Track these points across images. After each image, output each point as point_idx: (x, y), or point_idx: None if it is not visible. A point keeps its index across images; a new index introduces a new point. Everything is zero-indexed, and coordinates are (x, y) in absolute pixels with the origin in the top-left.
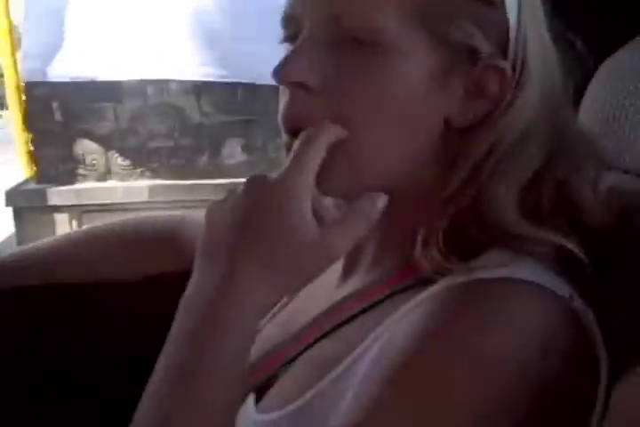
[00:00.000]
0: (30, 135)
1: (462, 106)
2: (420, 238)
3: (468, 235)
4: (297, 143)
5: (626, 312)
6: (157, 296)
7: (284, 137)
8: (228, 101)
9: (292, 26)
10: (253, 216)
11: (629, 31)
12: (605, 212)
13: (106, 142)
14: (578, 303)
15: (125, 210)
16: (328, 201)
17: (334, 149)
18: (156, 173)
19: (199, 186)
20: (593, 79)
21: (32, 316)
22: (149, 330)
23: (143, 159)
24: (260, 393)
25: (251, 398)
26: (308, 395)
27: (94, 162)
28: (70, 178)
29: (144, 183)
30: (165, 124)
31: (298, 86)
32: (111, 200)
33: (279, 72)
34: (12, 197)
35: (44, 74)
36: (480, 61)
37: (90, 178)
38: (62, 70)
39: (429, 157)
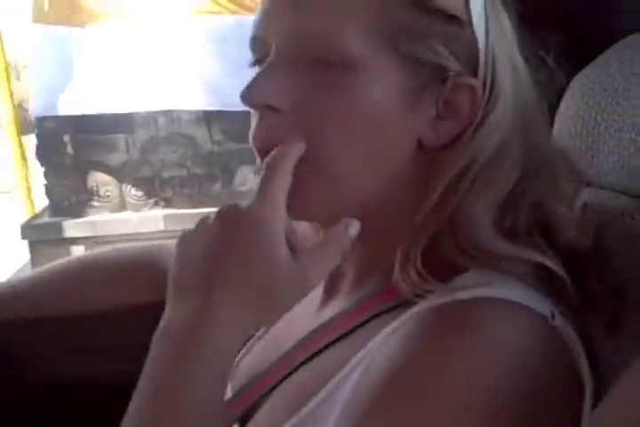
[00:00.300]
0: (42, 168)
1: (434, 126)
2: (397, 260)
3: (447, 256)
4: (261, 170)
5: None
6: (135, 327)
7: (258, 161)
8: (239, 129)
9: (259, 48)
10: (225, 245)
11: (599, 48)
12: (581, 228)
13: (118, 173)
14: (559, 321)
15: (141, 240)
16: (301, 229)
17: (304, 171)
18: (169, 203)
19: None
20: (565, 95)
21: (11, 349)
22: (129, 360)
23: (156, 189)
24: (245, 420)
25: None
26: (292, 422)
27: (108, 193)
28: (84, 210)
29: (160, 213)
30: (177, 153)
31: (266, 109)
32: (127, 231)
33: (247, 95)
34: (27, 230)
35: (55, 108)
36: (449, 80)
37: (103, 209)
38: (72, 105)
39: (403, 178)
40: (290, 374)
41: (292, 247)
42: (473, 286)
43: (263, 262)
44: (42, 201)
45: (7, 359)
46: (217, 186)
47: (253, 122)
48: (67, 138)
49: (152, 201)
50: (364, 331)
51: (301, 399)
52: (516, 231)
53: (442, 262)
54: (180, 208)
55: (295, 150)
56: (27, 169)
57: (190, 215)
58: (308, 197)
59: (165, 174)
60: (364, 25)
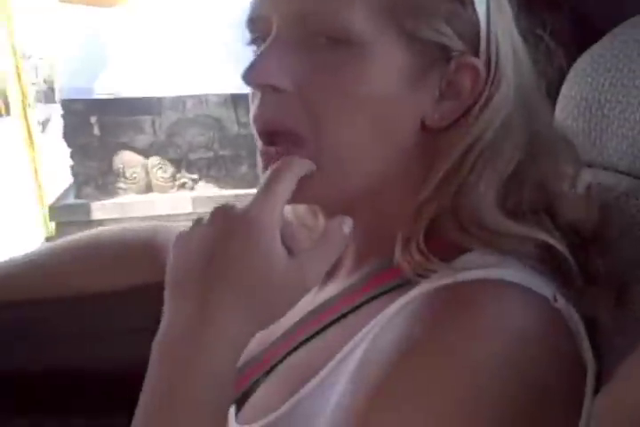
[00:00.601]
0: (69, 150)
1: (437, 106)
2: (399, 240)
3: (449, 235)
4: (267, 174)
5: (606, 309)
6: (138, 308)
7: (259, 144)
8: None
9: (258, 27)
10: (220, 247)
11: (603, 29)
12: (585, 208)
13: (145, 155)
14: (561, 304)
15: (170, 222)
16: (297, 231)
17: (306, 154)
18: (196, 185)
19: (243, 196)
20: (568, 76)
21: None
22: (130, 343)
23: (183, 171)
24: (240, 403)
25: (231, 410)
26: (291, 402)
27: (134, 175)
28: (110, 192)
29: (187, 195)
30: (204, 135)
31: (269, 89)
32: (155, 213)
33: (248, 75)
34: (55, 211)
35: (83, 92)
36: (453, 60)
37: (130, 191)
38: (100, 88)
39: (406, 158)
40: (288, 354)
41: (290, 249)
42: (475, 267)
43: (259, 265)
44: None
45: (7, 340)
46: (243, 168)
47: (254, 103)
48: (93, 119)
49: (179, 183)
50: (365, 310)
51: (300, 380)
52: (520, 211)
53: (444, 242)
54: (206, 190)
55: (304, 164)
56: (34, 150)
57: (219, 197)
58: (310, 180)
59: (192, 156)
60: (367, 3)
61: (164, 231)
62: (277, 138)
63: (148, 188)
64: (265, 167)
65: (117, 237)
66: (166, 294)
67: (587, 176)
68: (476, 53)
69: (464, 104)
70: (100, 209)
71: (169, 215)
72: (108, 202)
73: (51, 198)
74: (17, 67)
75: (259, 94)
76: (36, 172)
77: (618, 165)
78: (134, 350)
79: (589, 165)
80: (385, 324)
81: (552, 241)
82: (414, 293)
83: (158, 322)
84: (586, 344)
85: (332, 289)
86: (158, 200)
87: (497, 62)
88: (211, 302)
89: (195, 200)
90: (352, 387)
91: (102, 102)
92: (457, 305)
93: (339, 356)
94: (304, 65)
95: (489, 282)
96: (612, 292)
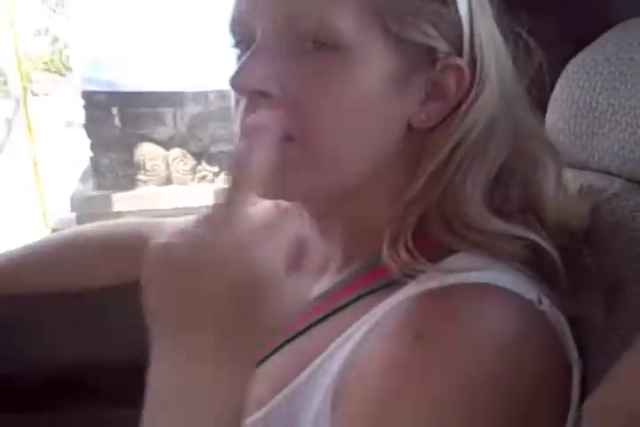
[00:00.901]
0: (89, 141)
1: (423, 107)
2: (386, 239)
3: (436, 235)
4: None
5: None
6: (121, 306)
7: (236, 142)
8: None
9: (241, 30)
10: (193, 285)
11: (595, 32)
12: (575, 209)
13: (166, 147)
14: (546, 306)
15: (190, 214)
16: (262, 206)
17: (293, 154)
18: (217, 178)
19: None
20: (560, 78)
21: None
22: (113, 340)
23: (204, 164)
24: None
25: None
26: (279, 397)
27: (155, 167)
28: (130, 184)
29: (209, 187)
30: (226, 129)
31: (256, 94)
32: (175, 205)
33: (236, 81)
34: (76, 203)
35: (104, 83)
36: (438, 62)
37: (150, 183)
38: (122, 81)
39: (393, 158)
40: (275, 351)
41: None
42: (462, 270)
43: (236, 304)
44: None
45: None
46: None
47: (239, 108)
48: (115, 111)
49: (199, 176)
50: (352, 309)
51: (286, 377)
52: (507, 210)
53: (432, 242)
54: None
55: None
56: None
57: None
58: (296, 179)
59: (213, 149)
60: (355, 7)
61: (148, 228)
62: None
63: (168, 180)
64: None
65: (103, 232)
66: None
67: (578, 178)
68: (460, 54)
69: (450, 105)
70: (120, 201)
71: (189, 208)
72: (128, 194)
73: (69, 189)
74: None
75: (245, 100)
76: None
77: (609, 167)
78: (125, 347)
79: (581, 168)
80: (372, 327)
81: (539, 240)
82: (401, 296)
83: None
84: (571, 346)
85: (321, 286)
86: (178, 193)
87: (481, 63)
88: (195, 353)
89: (217, 192)
90: (338, 400)
91: (124, 94)
92: (441, 316)
93: (324, 354)
94: (291, 70)
95: (474, 287)
96: (603, 292)
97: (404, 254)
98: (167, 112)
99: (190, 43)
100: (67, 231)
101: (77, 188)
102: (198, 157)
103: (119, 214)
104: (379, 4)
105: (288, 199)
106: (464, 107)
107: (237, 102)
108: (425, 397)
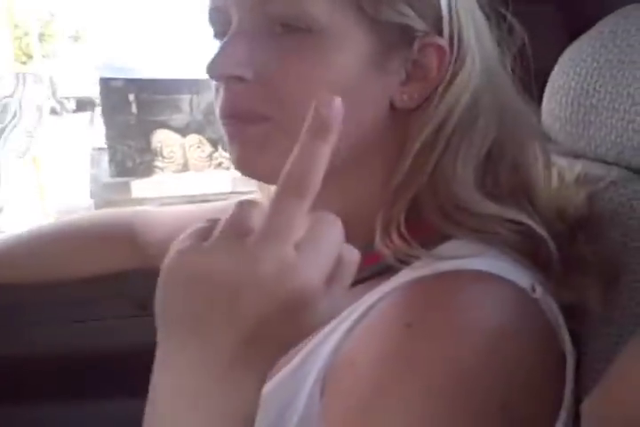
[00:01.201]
0: (105, 128)
1: (405, 88)
2: (378, 225)
3: (429, 220)
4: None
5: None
6: (111, 296)
7: (225, 132)
8: None
9: (220, 19)
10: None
11: (592, 19)
12: (572, 198)
13: (183, 134)
14: (539, 294)
15: (207, 201)
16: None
17: (272, 133)
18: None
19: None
20: (556, 65)
21: None
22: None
23: (221, 150)
24: None
25: None
26: (270, 383)
27: (172, 154)
28: (147, 170)
29: (226, 174)
30: None
31: (233, 80)
32: (193, 192)
33: (211, 68)
34: (95, 189)
35: (120, 70)
36: (416, 41)
37: (167, 170)
38: (138, 68)
39: (377, 140)
40: None
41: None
42: (455, 257)
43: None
44: None
45: None
46: None
47: (219, 95)
48: (132, 97)
49: (215, 162)
50: (346, 295)
51: (283, 359)
52: (499, 193)
53: (425, 228)
54: None
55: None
56: None
57: None
58: (269, 155)
59: None
60: None
61: (145, 216)
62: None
63: (185, 167)
64: (234, 145)
65: (99, 221)
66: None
67: (575, 166)
68: (440, 32)
69: (432, 84)
70: (137, 188)
71: (206, 194)
72: (146, 180)
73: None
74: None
75: (223, 86)
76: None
77: (606, 156)
78: (119, 337)
79: (578, 156)
80: (363, 313)
81: (532, 224)
82: (393, 283)
83: (142, 308)
84: (565, 334)
85: None
86: (195, 179)
87: (459, 41)
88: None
89: (235, 179)
90: (326, 387)
91: (141, 81)
92: (432, 304)
93: (315, 340)
94: (265, 53)
95: (467, 274)
96: (599, 279)
97: (397, 240)
98: (184, 99)
99: (208, 30)
100: (60, 221)
101: (93, 174)
102: (215, 143)
103: (137, 201)
104: None
105: (266, 180)
106: (443, 84)
107: (217, 90)
108: (414, 385)
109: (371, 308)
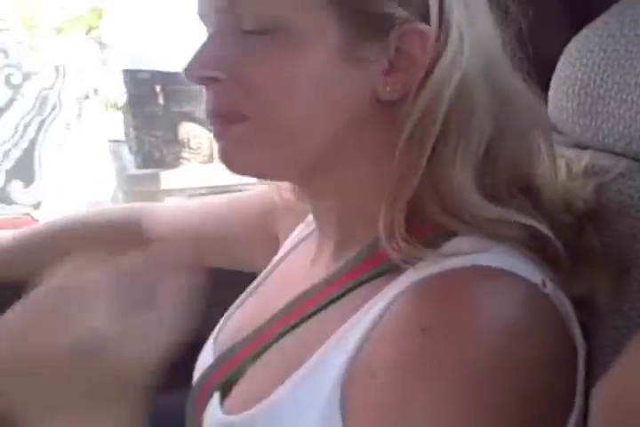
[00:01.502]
0: (132, 120)
1: (387, 78)
2: (381, 225)
3: (432, 220)
4: None
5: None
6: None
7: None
8: None
9: (206, 24)
10: None
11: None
12: (580, 190)
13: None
14: (550, 289)
15: (236, 191)
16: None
17: (248, 129)
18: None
19: None
20: (563, 55)
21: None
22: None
23: None
24: (227, 390)
25: (215, 398)
26: (280, 391)
27: (199, 145)
28: (175, 162)
29: None
30: None
31: (209, 81)
32: (220, 182)
33: (187, 71)
34: (123, 181)
35: (146, 61)
36: (395, 29)
37: (194, 161)
38: (167, 61)
39: (365, 133)
40: (275, 341)
41: None
42: (463, 253)
43: None
44: None
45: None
46: None
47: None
48: (158, 88)
49: None
50: (351, 298)
51: (287, 368)
52: (499, 193)
53: (428, 226)
54: None
55: None
56: None
57: None
58: (251, 153)
59: None
60: None
61: (150, 212)
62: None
63: (211, 158)
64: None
65: (99, 219)
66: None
67: (582, 157)
68: (427, 18)
69: (417, 74)
70: (165, 179)
71: (233, 185)
72: (173, 172)
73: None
74: None
75: (204, 88)
76: None
77: (614, 147)
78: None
79: (585, 147)
80: (376, 318)
81: (535, 223)
82: (403, 284)
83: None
84: (575, 327)
85: (318, 274)
86: (222, 170)
87: (447, 25)
88: None
89: None
90: (350, 401)
91: (167, 73)
92: (444, 305)
93: (325, 346)
94: (236, 53)
95: (477, 269)
96: (608, 271)
97: (401, 242)
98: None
99: None
100: (64, 218)
101: (120, 166)
102: None
103: (165, 192)
104: None
105: (245, 174)
106: (424, 71)
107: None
108: (438, 389)
109: (384, 311)
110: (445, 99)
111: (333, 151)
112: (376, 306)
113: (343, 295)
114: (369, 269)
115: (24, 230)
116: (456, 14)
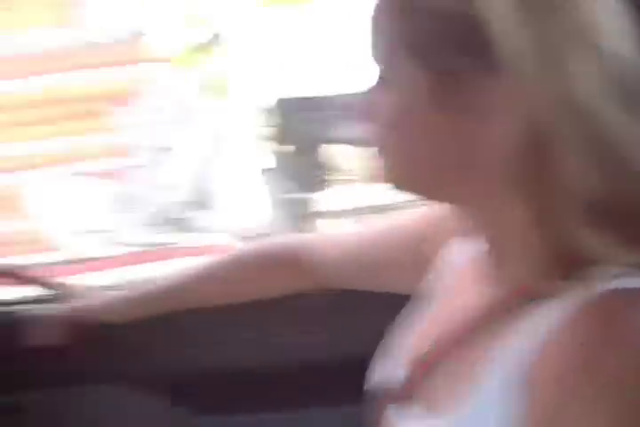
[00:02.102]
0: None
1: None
2: (532, 267)
3: (573, 254)
4: None
5: None
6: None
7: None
8: None
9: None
10: None
11: None
12: None
13: (355, 146)
14: None
15: (389, 210)
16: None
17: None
18: None
19: None
20: None
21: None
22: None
23: None
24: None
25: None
26: (463, 407)
27: (344, 167)
28: (323, 184)
29: None
30: None
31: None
32: (369, 203)
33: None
34: (276, 205)
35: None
36: (468, 82)
37: (341, 183)
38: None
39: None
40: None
41: None
42: (610, 278)
43: None
44: None
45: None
46: None
47: None
48: (305, 114)
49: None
50: (510, 322)
51: (459, 386)
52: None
53: (572, 258)
54: None
55: None
56: None
57: None
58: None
59: None
60: (405, 52)
61: (309, 242)
62: None
63: (361, 178)
64: None
65: (269, 249)
66: None
67: None
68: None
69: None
70: (317, 201)
71: (382, 205)
72: (323, 194)
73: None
74: None
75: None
76: None
77: None
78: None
79: None
80: (536, 338)
81: None
82: (560, 307)
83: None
84: None
85: (481, 298)
86: (371, 190)
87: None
88: None
89: None
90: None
91: (308, 99)
92: (607, 327)
93: (493, 368)
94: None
95: (630, 292)
96: None
97: (557, 281)
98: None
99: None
100: (235, 252)
101: (272, 190)
102: None
103: (318, 214)
104: (416, 40)
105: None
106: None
107: None
108: (597, 404)
109: (541, 332)
110: (514, 138)
111: (469, 198)
112: (534, 326)
113: (500, 318)
114: (522, 296)
115: (214, 260)
116: (531, 60)
